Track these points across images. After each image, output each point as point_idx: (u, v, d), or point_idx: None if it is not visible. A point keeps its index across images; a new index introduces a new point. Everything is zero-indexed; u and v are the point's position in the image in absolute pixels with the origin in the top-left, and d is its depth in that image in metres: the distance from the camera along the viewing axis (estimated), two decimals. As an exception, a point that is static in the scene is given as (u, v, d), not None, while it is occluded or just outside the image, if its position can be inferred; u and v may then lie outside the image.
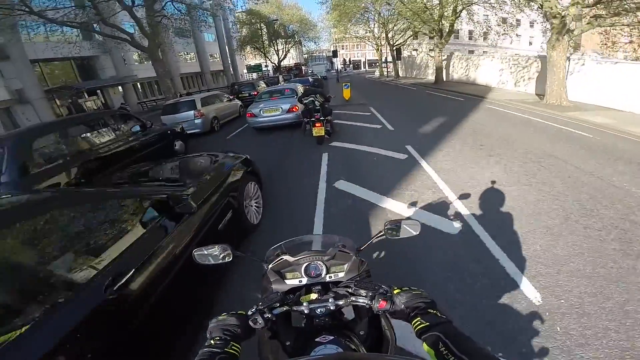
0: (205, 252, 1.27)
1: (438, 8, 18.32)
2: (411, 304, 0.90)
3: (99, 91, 24.23)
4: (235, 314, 0.96)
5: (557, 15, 10.28)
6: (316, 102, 6.94)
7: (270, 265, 1.25)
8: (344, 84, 14.02)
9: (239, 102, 13.26)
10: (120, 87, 25.53)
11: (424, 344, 0.77)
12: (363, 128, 8.65)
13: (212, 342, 0.86)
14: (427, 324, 0.81)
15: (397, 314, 0.94)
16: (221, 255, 1.26)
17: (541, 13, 13.02)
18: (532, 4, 12.65)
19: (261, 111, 8.84)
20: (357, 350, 0.99)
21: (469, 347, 0.72)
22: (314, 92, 7.41)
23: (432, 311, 0.86)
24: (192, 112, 9.60)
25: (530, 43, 36.00)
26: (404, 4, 18.26)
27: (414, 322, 0.85)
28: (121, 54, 24.35)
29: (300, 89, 9.99)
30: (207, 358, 0.79)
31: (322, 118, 6.74)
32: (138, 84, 28.52)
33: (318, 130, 6.70)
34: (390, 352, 1.07)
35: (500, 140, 6.62)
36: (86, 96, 23.09)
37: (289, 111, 8.69)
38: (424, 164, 5.45)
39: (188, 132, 9.64)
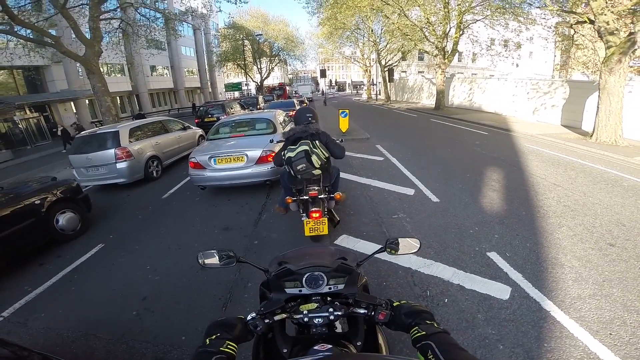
0: (210, 256, 1.32)
1: (442, 24, 16.08)
2: (411, 315, 0.95)
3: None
4: (234, 317, 0.99)
5: (615, 32, 7.94)
6: (314, 162, 3.25)
7: (272, 274, 1.23)
8: (340, 111, 10.79)
9: (199, 131, 9.80)
10: (72, 103, 21.82)
11: (418, 353, 0.82)
12: (385, 192, 5.31)
13: (207, 341, 0.86)
14: (424, 333, 0.85)
15: (397, 324, 0.98)
16: (225, 261, 1.31)
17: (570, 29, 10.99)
18: (566, 17, 10.49)
19: (212, 159, 5.23)
20: None
21: (458, 357, 0.74)
22: (306, 132, 3.36)
23: (430, 322, 0.91)
24: (112, 150, 6.27)
25: (517, 65, 34.17)
26: (407, 16, 15.91)
27: (412, 331, 0.89)
28: (76, 64, 20.82)
29: (280, 118, 6.83)
30: (203, 358, 0.79)
31: (323, 197, 3.31)
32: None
33: (315, 226, 3.24)
34: None
35: (615, 224, 3.79)
36: (27, 112, 19.34)
37: (259, 162, 5.14)
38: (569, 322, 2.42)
39: (105, 182, 6.39)
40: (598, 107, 8.54)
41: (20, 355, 1.56)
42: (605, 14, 7.87)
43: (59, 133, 15.64)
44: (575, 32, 11.57)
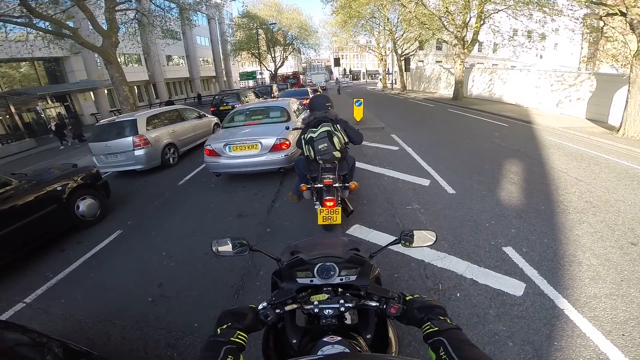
0: (224, 244, 1.30)
1: (462, 14, 15.51)
2: (424, 310, 0.93)
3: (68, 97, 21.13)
4: (245, 307, 0.99)
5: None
6: (336, 144, 3.25)
7: (284, 263, 1.23)
8: (355, 100, 10.68)
9: (214, 119, 9.89)
10: (91, 93, 22.34)
11: (429, 348, 0.81)
12: (400, 182, 5.25)
13: (218, 330, 0.87)
14: (437, 328, 0.84)
15: (409, 319, 0.96)
16: (238, 249, 1.30)
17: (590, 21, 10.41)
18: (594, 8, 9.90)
19: (227, 147, 5.30)
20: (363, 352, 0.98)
21: (470, 354, 0.73)
22: (326, 117, 3.39)
23: (442, 318, 0.89)
24: (130, 138, 6.42)
25: (541, 56, 32.60)
26: (424, 5, 15.43)
27: (424, 326, 0.88)
28: (94, 55, 21.23)
29: (294, 107, 6.76)
30: (213, 348, 0.78)
31: (337, 185, 3.31)
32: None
33: (329, 214, 3.21)
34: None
35: (638, 222, 3.63)
36: (49, 102, 19.95)
37: (273, 149, 5.20)
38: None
39: (124, 169, 6.55)
40: (627, 101, 8.13)
41: (39, 342, 1.61)
42: (638, 6, 7.43)
43: (53, 128, 14.33)
44: (604, 24, 10.92)
